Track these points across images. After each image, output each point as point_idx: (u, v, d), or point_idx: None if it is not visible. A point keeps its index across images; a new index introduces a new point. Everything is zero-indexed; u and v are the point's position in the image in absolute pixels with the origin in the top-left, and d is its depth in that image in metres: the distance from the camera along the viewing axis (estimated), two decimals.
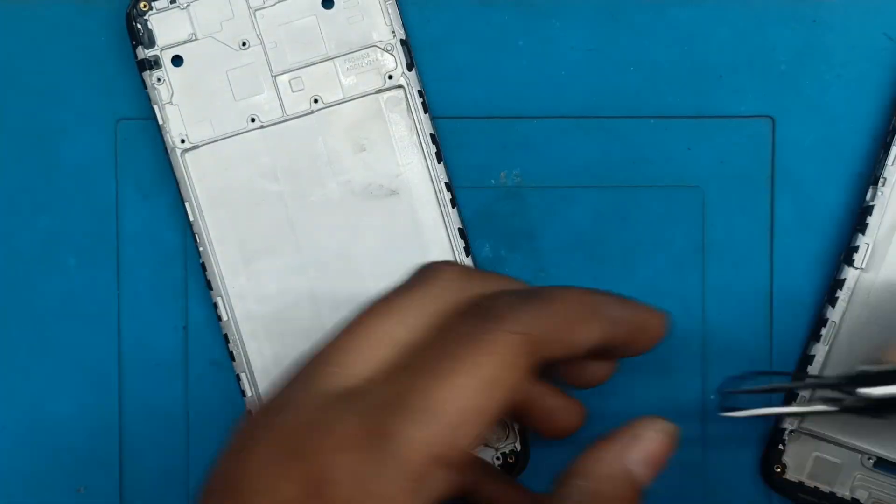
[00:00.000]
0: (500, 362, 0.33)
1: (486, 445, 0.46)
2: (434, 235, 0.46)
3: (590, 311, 0.37)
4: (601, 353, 0.38)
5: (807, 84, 0.47)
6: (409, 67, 0.45)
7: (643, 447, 0.36)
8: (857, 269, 0.46)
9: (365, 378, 0.34)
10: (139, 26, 0.45)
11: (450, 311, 0.36)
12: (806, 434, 0.46)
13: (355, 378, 0.34)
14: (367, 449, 0.32)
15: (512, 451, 0.46)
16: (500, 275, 0.40)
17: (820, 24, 0.47)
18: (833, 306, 0.46)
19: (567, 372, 0.41)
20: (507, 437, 0.46)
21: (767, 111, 0.47)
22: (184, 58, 0.45)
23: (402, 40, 0.45)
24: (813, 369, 0.46)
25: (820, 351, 0.46)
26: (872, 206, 0.45)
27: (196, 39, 0.45)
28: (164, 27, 0.45)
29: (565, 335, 0.36)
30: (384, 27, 0.45)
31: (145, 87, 0.45)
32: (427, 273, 0.38)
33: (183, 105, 0.45)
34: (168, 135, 0.45)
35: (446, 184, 0.46)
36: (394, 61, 0.45)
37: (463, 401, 0.33)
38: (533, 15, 0.47)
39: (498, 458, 0.46)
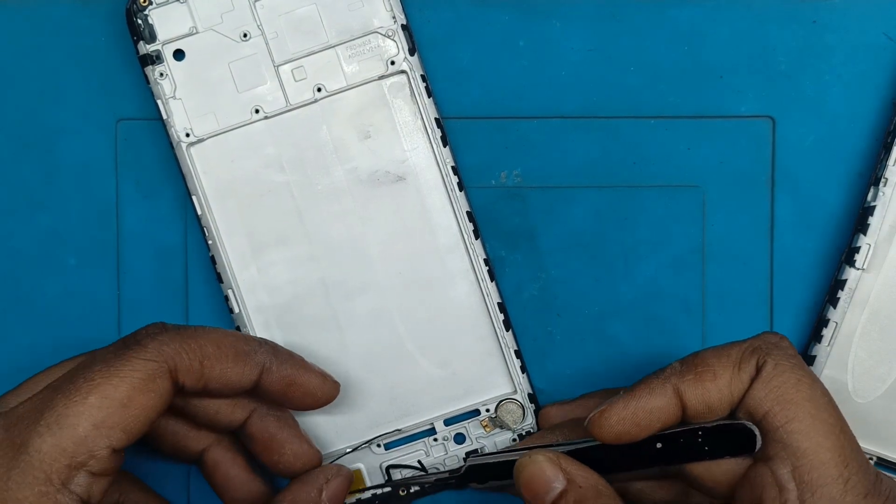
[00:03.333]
0: (133, 385, 0.38)
1: (503, 427, 0.46)
2: (442, 219, 0.46)
3: (234, 354, 0.41)
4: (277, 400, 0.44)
5: (807, 84, 0.47)
6: (412, 52, 0.45)
7: (332, 486, 0.44)
8: (858, 269, 0.46)
9: (19, 402, 0.39)
10: (139, 21, 0.45)
11: None
12: None
13: (12, 404, 0.40)
14: (2, 457, 0.38)
15: (528, 433, 0.46)
16: None
17: (820, 24, 0.47)
18: (834, 307, 0.46)
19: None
20: (523, 419, 0.46)
21: (767, 111, 0.47)
22: (185, 51, 0.45)
23: (403, 25, 0.45)
24: (814, 370, 0.46)
25: (822, 351, 0.46)
26: (874, 207, 0.45)
27: (197, 33, 0.45)
28: (165, 21, 0.45)
29: (204, 369, 0.41)
30: (385, 13, 0.45)
31: (148, 83, 0.45)
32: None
33: (186, 99, 0.45)
34: (172, 129, 0.45)
35: (453, 167, 0.46)
36: (395, 47, 0.45)
37: (94, 416, 0.38)
38: (533, 15, 0.47)
39: (515, 440, 0.46)
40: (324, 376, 0.44)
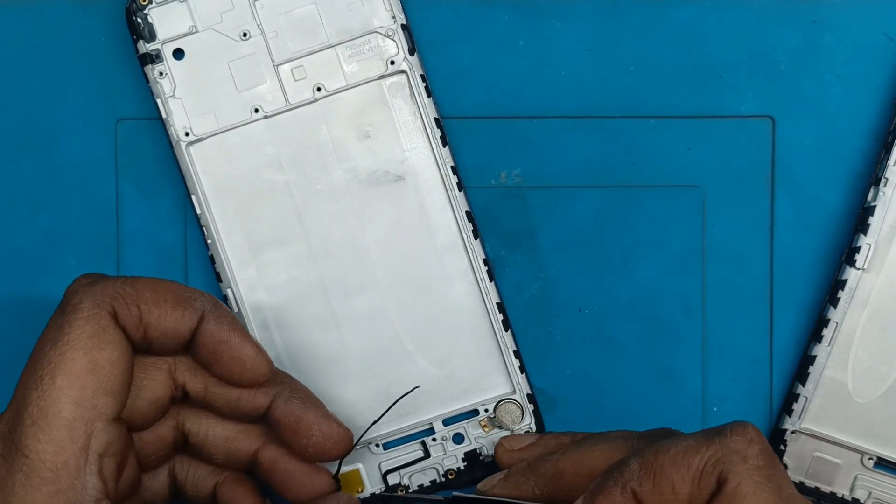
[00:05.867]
0: (88, 347, 0.37)
1: (501, 427, 0.46)
2: (441, 219, 0.46)
3: (172, 298, 0.39)
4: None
5: (807, 84, 0.47)
6: (411, 52, 0.45)
7: None
8: (858, 269, 0.46)
9: None
10: (139, 20, 0.45)
11: None
12: (806, 434, 0.46)
13: None
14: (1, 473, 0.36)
15: (528, 433, 0.46)
16: None
17: (820, 24, 0.47)
18: (835, 307, 0.46)
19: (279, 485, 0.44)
20: (522, 419, 0.46)
21: (767, 111, 0.47)
22: (185, 51, 0.45)
23: (402, 25, 0.45)
24: (815, 369, 0.46)
25: (822, 351, 0.46)
26: (874, 207, 0.45)
27: (196, 32, 0.45)
28: (165, 20, 0.45)
29: (143, 315, 0.39)
30: (384, 12, 0.45)
31: (147, 82, 0.45)
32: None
33: (186, 98, 0.45)
34: (172, 128, 0.45)
35: (452, 167, 0.46)
36: (395, 46, 0.45)
37: (71, 396, 0.37)
38: (533, 15, 0.47)
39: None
40: (259, 349, 0.41)
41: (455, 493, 0.44)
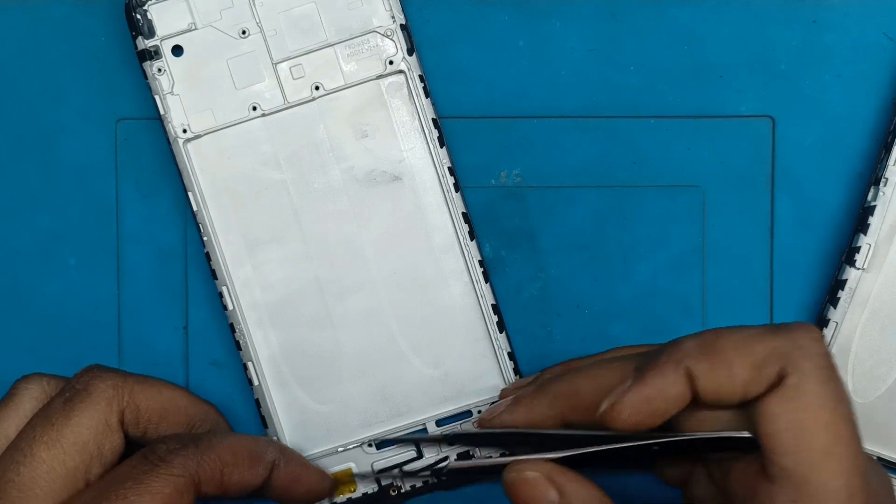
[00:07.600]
0: (164, 500, 0.38)
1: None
2: (438, 220, 0.46)
3: (248, 457, 0.41)
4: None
5: (807, 84, 0.47)
6: (410, 52, 0.45)
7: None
8: (858, 269, 0.45)
9: None
10: (139, 17, 0.45)
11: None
12: None
13: None
14: None
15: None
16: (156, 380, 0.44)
17: (820, 24, 0.47)
18: (834, 307, 0.46)
19: None
20: None
21: (767, 111, 0.47)
22: (184, 47, 0.45)
23: (402, 25, 0.45)
24: None
25: None
26: (874, 207, 0.45)
27: (196, 29, 0.45)
28: (164, 17, 0.45)
29: (224, 477, 0.40)
30: (384, 12, 0.45)
31: (146, 78, 0.45)
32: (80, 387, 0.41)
33: (184, 95, 0.45)
34: (170, 125, 0.45)
35: (449, 168, 0.46)
36: (394, 46, 0.45)
37: None
38: (533, 15, 0.47)
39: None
40: (323, 475, 0.45)
41: (456, 433, 0.43)
